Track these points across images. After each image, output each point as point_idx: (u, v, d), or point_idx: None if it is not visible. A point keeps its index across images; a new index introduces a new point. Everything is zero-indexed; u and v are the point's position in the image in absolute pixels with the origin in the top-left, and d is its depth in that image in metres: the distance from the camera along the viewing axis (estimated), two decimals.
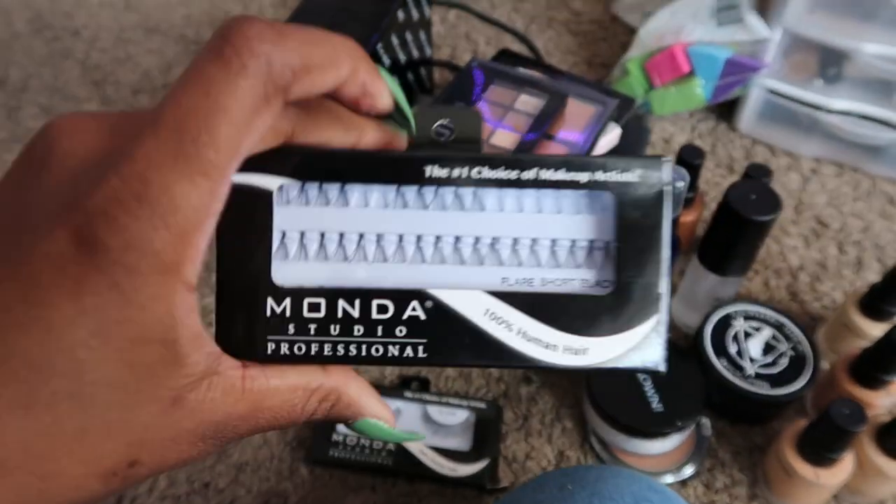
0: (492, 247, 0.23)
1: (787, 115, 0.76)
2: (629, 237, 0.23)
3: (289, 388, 0.21)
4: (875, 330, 0.57)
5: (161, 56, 0.88)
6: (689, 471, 0.55)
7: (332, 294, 0.22)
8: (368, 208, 0.23)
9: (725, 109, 0.80)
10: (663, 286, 0.23)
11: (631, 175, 0.23)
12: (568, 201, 0.23)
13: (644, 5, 0.88)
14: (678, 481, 0.55)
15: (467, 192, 0.23)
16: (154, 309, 0.19)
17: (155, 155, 0.18)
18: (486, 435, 0.56)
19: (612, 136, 0.64)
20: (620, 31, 0.92)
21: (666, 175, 0.23)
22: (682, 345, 0.62)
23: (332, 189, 0.23)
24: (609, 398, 0.53)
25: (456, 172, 0.22)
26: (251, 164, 0.21)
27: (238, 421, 0.20)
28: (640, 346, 0.23)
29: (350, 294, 0.22)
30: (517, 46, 0.81)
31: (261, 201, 0.22)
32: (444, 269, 0.23)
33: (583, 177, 0.23)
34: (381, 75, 0.22)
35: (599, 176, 0.23)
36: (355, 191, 0.23)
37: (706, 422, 0.57)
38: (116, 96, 0.83)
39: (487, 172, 0.23)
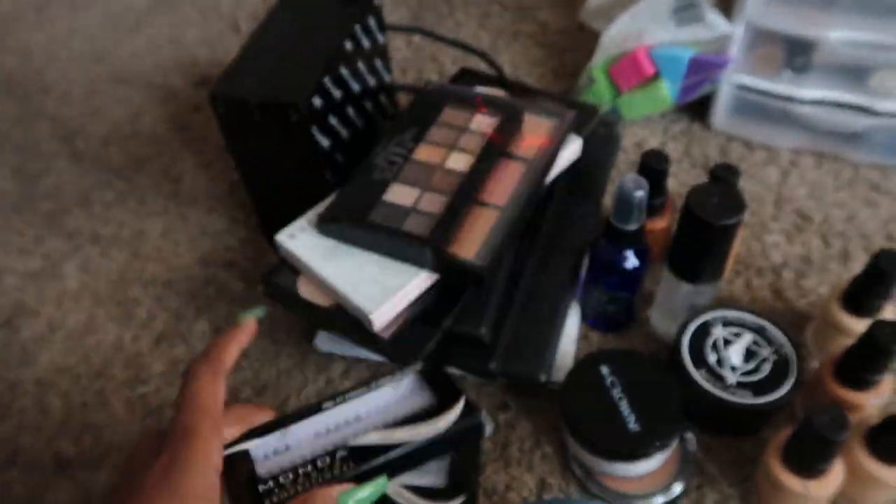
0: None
1: (760, 109, 0.74)
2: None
3: None
4: (860, 326, 0.54)
5: (129, 105, 0.88)
6: (677, 489, 0.53)
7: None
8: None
9: (698, 108, 0.79)
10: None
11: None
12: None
13: (609, 11, 0.87)
14: (667, 501, 0.53)
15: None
16: None
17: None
18: (463, 468, 0.54)
19: (572, 148, 0.62)
20: (588, 40, 0.90)
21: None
22: (660, 357, 0.60)
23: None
24: (584, 422, 0.51)
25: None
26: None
27: None
28: None
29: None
30: (484, 65, 0.80)
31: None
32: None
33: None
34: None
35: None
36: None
37: (691, 437, 0.54)
38: (86, 149, 0.83)
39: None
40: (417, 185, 0.57)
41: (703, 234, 0.52)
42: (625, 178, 0.53)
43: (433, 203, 0.55)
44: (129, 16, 1.01)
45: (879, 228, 0.68)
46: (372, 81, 0.70)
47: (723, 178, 0.57)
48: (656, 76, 0.74)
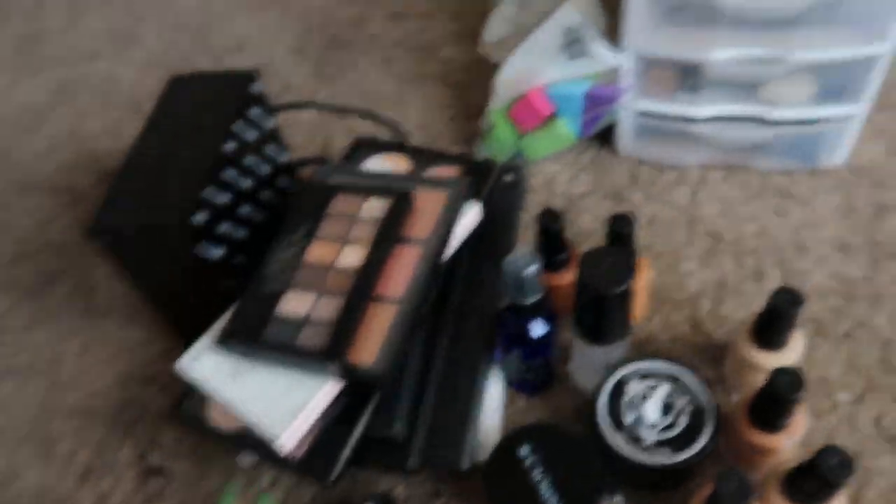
0: None
1: (663, 131, 0.74)
2: None
3: None
4: (770, 360, 0.55)
5: (37, 214, 0.86)
6: None
7: None
8: None
9: (606, 134, 0.78)
10: None
11: None
12: None
13: (507, 42, 0.86)
14: None
15: None
16: None
17: None
18: None
19: (470, 216, 0.62)
20: (491, 72, 0.89)
21: None
22: (584, 414, 0.60)
23: None
24: None
25: None
26: None
27: None
28: None
29: None
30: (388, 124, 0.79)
31: None
32: None
33: None
34: None
35: None
36: None
37: (619, 499, 0.54)
38: None
39: None
40: (312, 290, 0.56)
41: (600, 302, 0.52)
42: (512, 258, 0.52)
43: (328, 308, 0.55)
44: (28, 115, 0.99)
45: (790, 239, 0.68)
46: (266, 170, 0.69)
47: (620, 231, 0.57)
48: (554, 115, 0.73)
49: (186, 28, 1.07)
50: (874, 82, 0.64)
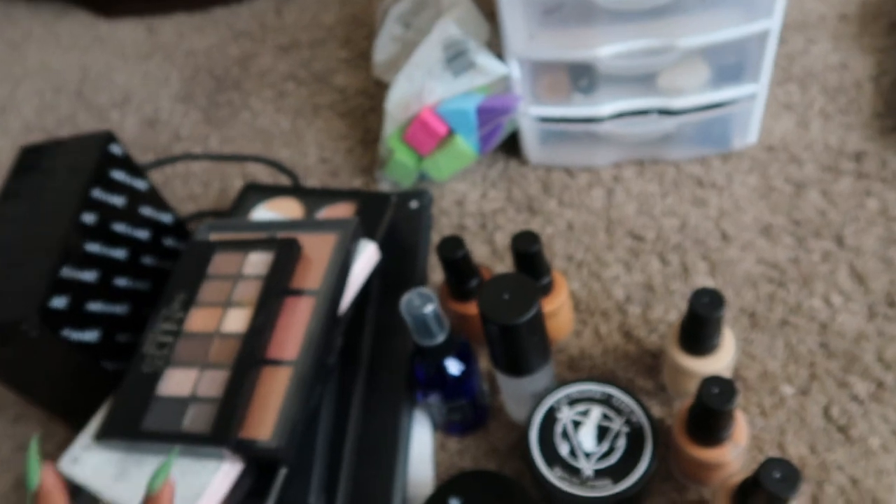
0: None
1: (567, 135, 0.70)
2: None
3: None
4: (702, 366, 0.51)
5: None
6: None
7: None
8: None
9: (511, 146, 0.74)
10: None
11: None
12: None
13: (397, 62, 0.82)
14: None
15: None
16: None
17: None
18: None
19: (366, 256, 0.56)
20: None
21: None
22: (518, 459, 0.55)
23: None
24: None
25: None
26: None
27: None
28: None
29: None
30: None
31: None
32: None
33: None
34: None
35: None
36: None
37: None
38: None
39: None
40: (194, 365, 0.50)
41: (508, 335, 0.47)
42: (406, 298, 0.47)
43: (214, 383, 0.49)
44: None
45: (712, 229, 0.65)
46: (145, 234, 0.63)
47: (525, 251, 0.53)
48: (451, 133, 0.69)
49: (65, 88, 1.00)
50: (768, 58, 0.61)
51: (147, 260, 0.62)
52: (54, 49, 1.08)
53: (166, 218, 0.67)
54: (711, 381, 0.44)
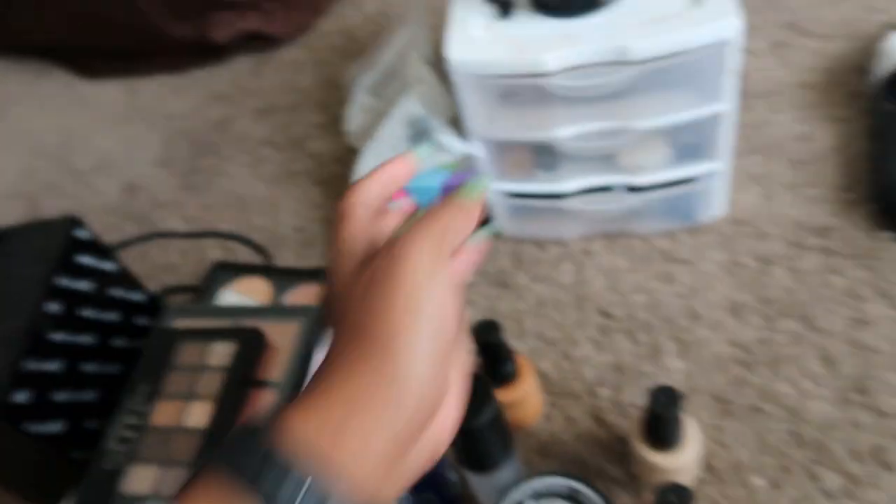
0: None
1: (535, 209, 0.70)
2: None
3: None
4: (667, 461, 0.50)
5: None
6: None
7: None
8: None
9: (482, 219, 0.74)
10: None
11: None
12: None
13: (369, 129, 0.83)
14: None
15: None
16: None
17: None
18: None
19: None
20: None
21: None
22: None
23: None
24: None
25: None
26: None
27: None
28: None
29: None
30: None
31: None
32: None
33: None
34: None
35: None
36: None
37: None
38: None
39: None
40: (156, 462, 0.50)
41: (464, 436, 0.47)
42: None
43: (174, 481, 0.48)
44: None
45: (681, 307, 0.65)
46: (114, 316, 0.63)
47: (486, 342, 0.53)
48: (418, 209, 0.69)
49: (45, 152, 1.01)
50: (725, 137, 0.62)
51: (118, 342, 0.62)
52: (35, 111, 1.09)
53: (137, 297, 0.67)
54: (668, 490, 0.44)
